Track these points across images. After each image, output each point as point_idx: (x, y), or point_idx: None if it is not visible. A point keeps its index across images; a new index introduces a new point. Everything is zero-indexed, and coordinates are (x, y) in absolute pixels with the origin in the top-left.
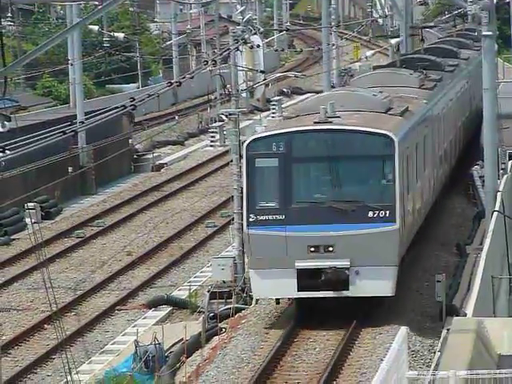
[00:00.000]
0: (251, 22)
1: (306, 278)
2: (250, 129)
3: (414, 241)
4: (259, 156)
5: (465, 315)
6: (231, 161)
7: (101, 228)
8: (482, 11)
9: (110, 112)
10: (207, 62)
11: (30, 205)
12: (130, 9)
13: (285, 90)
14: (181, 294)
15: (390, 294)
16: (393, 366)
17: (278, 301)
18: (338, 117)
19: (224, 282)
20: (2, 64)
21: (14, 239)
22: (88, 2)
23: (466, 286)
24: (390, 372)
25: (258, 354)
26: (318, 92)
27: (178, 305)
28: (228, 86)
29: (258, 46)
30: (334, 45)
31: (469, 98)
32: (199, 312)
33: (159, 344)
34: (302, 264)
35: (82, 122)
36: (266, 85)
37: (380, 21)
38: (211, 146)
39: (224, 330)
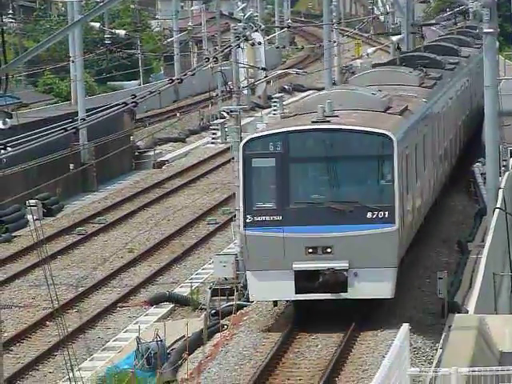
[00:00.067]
0: (252, 19)
1: (304, 280)
2: (251, 126)
3: (414, 241)
4: (256, 156)
5: (466, 312)
6: (232, 158)
7: (102, 225)
8: (483, 8)
9: (112, 109)
10: (208, 59)
11: (32, 202)
12: (132, 6)
13: (286, 87)
14: (182, 291)
15: (389, 296)
16: (395, 362)
17: (275, 303)
18: (336, 116)
19: (226, 279)
20: (4, 61)
21: (15, 236)
22: None
23: (467, 283)
24: (392, 369)
25: (260, 350)
26: (319, 89)
27: (180, 302)
28: (229, 83)
29: (260, 43)
30: (335, 42)
31: (469, 96)
32: (201, 309)
33: (161, 341)
34: (299, 266)
35: (84, 119)
36: (268, 82)
37: (381, 18)
38: (212, 143)
39: (226, 327)
